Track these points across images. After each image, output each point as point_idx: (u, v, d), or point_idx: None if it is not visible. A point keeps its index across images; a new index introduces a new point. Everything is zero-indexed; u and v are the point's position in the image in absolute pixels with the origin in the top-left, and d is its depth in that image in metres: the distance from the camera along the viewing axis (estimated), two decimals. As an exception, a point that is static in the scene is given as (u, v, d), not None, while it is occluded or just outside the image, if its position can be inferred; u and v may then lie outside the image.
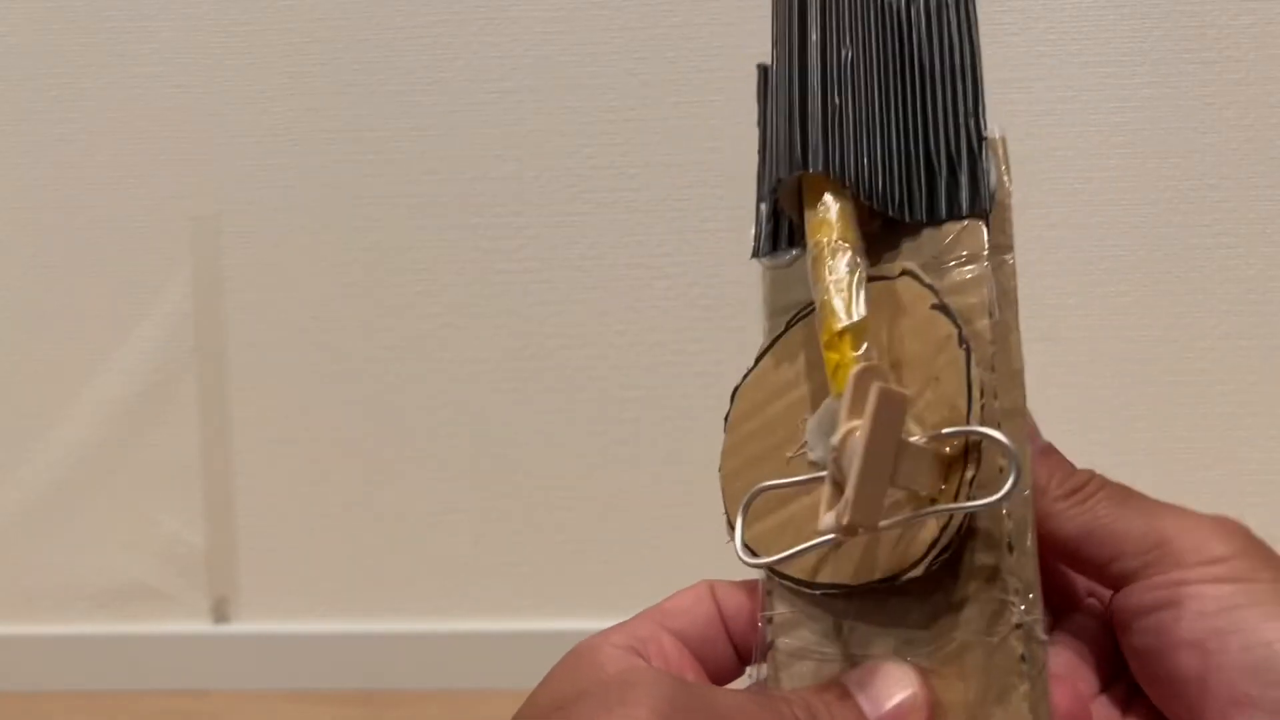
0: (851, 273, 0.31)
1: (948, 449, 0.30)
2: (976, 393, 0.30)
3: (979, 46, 0.35)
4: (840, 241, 0.32)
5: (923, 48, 0.35)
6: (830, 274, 0.31)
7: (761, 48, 0.96)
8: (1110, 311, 0.90)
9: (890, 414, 0.28)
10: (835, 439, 0.29)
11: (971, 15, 0.35)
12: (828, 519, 0.29)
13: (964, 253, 0.33)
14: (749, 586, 0.35)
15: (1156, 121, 0.88)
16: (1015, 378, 0.32)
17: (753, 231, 0.36)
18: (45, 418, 0.97)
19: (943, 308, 0.32)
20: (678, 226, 0.91)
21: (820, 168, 0.32)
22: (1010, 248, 0.33)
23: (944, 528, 0.30)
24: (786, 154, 0.32)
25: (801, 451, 0.33)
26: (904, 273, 0.33)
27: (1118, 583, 0.34)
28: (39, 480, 0.97)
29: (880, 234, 0.34)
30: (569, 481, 0.95)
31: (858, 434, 0.28)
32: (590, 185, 0.91)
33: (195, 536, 0.98)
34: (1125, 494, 0.35)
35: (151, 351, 0.95)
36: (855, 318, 0.31)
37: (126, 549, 0.98)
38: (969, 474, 0.30)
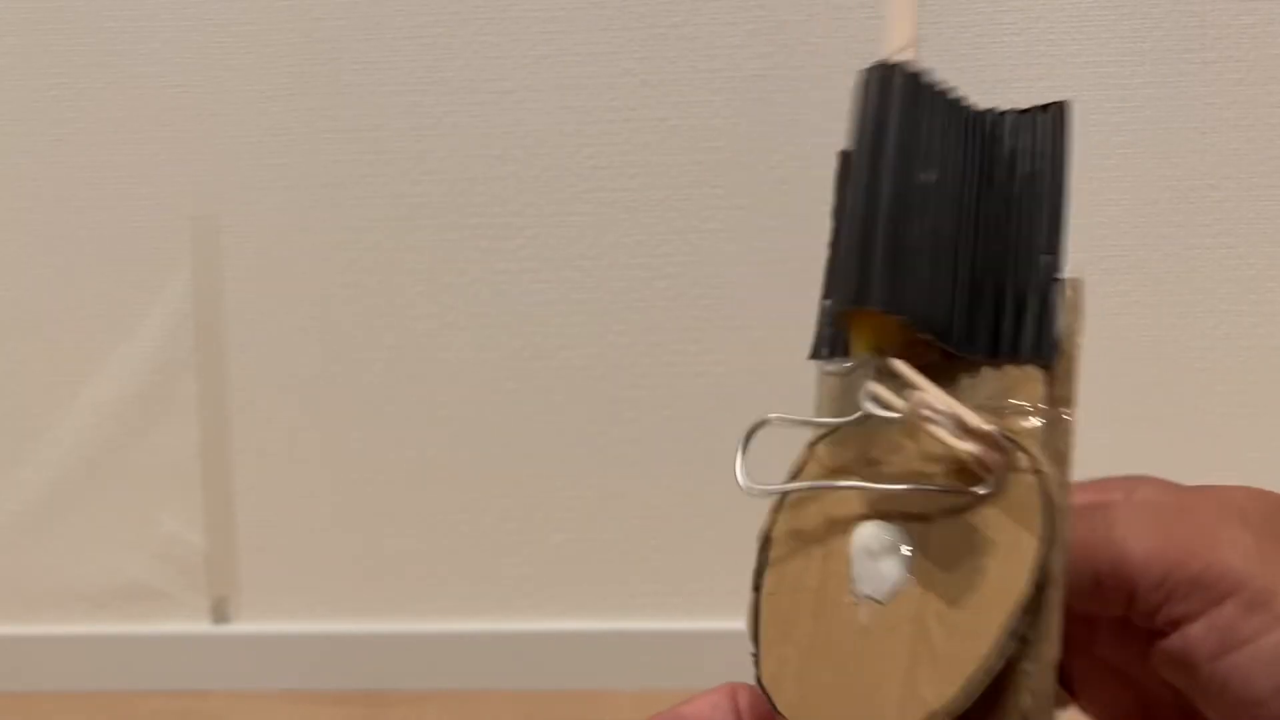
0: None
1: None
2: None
3: (1067, 177, 0.32)
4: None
5: (1005, 170, 0.32)
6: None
7: (760, 48, 0.96)
8: (1110, 311, 0.90)
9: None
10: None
11: (1063, 141, 0.33)
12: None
13: (1018, 401, 0.30)
14: None
15: (1156, 121, 0.88)
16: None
17: (815, 331, 0.33)
18: (45, 418, 0.97)
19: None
20: (678, 226, 0.91)
21: (880, 304, 0.30)
22: (1070, 402, 0.30)
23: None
24: (845, 282, 0.30)
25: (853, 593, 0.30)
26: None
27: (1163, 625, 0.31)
28: (39, 480, 0.97)
29: (939, 365, 0.31)
30: (569, 481, 0.95)
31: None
32: (590, 185, 0.91)
33: (195, 536, 0.98)
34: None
35: (151, 351, 0.95)
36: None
37: (126, 549, 0.98)
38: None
